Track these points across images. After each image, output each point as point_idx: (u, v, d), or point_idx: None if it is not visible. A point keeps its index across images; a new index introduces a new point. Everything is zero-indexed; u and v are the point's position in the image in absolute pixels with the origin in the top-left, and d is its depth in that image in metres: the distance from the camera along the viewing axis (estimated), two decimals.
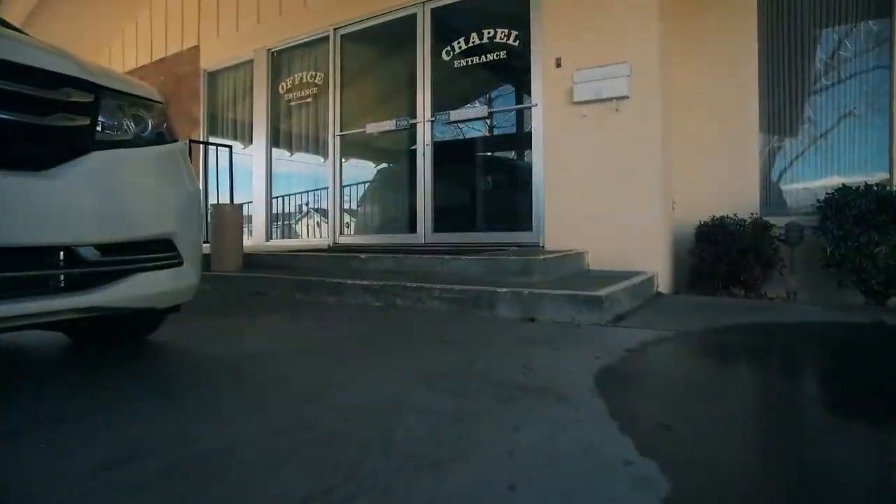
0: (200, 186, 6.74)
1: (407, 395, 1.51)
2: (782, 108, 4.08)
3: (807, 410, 1.49)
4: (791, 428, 1.34)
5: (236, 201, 6.76)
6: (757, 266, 3.52)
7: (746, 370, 1.93)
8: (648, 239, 3.80)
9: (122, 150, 1.59)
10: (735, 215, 3.68)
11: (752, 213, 3.66)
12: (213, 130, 6.78)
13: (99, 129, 1.55)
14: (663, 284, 3.86)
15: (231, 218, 4.46)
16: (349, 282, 3.46)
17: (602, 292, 2.68)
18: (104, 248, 1.50)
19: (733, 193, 4.10)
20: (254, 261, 4.73)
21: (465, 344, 2.20)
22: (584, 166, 4.03)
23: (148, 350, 2.11)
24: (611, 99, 3.92)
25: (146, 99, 1.77)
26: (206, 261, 4.52)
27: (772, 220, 3.70)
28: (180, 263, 1.78)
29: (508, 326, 2.57)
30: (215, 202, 5.40)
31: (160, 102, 1.86)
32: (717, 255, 3.66)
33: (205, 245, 4.64)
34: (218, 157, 5.47)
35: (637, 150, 3.84)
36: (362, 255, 4.00)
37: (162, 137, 1.80)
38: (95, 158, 1.49)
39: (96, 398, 1.52)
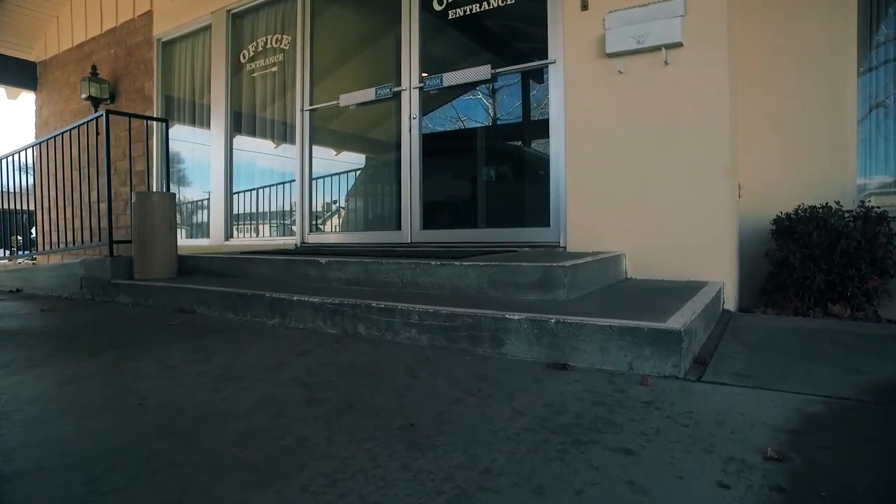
0: (159, 178, 5.77)
1: None
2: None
3: None
4: None
5: (195, 197, 5.80)
6: (871, 275, 2.49)
7: None
8: (709, 237, 2.77)
9: None
10: (838, 203, 2.64)
11: (862, 202, 2.63)
12: (168, 112, 5.77)
13: None
14: (729, 298, 2.83)
15: (160, 209, 3.45)
16: (295, 298, 2.45)
17: (676, 323, 1.66)
18: None
19: (819, 174, 3.06)
20: (194, 265, 3.72)
21: (447, 436, 1.17)
22: (619, 140, 3.00)
23: None
24: (658, 48, 2.88)
25: None
26: (128, 265, 3.52)
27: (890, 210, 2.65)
28: None
29: (525, 382, 1.55)
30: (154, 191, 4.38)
31: None
32: (809, 260, 2.63)
33: (126, 245, 3.66)
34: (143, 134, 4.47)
35: (694, 116, 2.81)
36: (322, 260, 2.98)
37: None
38: None
39: None
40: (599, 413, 1.29)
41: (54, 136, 4.09)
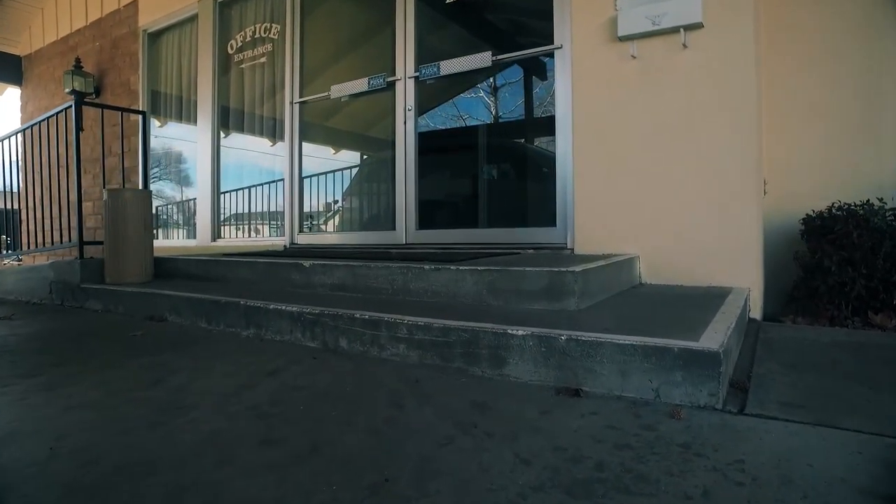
0: (139, 174, 5.49)
1: None
2: None
3: None
4: None
5: (184, 196, 5.53)
6: None
7: None
8: (732, 238, 2.51)
9: None
10: (881, 200, 2.36)
11: None
12: (155, 107, 5.51)
13: None
14: (755, 305, 2.56)
15: (133, 208, 3.19)
16: (272, 307, 2.18)
17: (712, 342, 1.38)
18: None
19: (852, 170, 2.79)
20: (172, 268, 3.46)
21: (431, 498, 0.90)
22: (632, 132, 2.73)
23: None
24: (676, 29, 2.61)
25: None
26: (100, 268, 3.26)
27: None
28: None
29: (531, 414, 1.28)
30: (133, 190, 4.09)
31: None
32: (847, 263, 2.35)
33: (97, 247, 3.39)
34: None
35: (716, 104, 2.54)
36: (306, 263, 2.72)
37: None
38: None
39: None
40: (626, 462, 1.02)
41: (21, 131, 3.84)
